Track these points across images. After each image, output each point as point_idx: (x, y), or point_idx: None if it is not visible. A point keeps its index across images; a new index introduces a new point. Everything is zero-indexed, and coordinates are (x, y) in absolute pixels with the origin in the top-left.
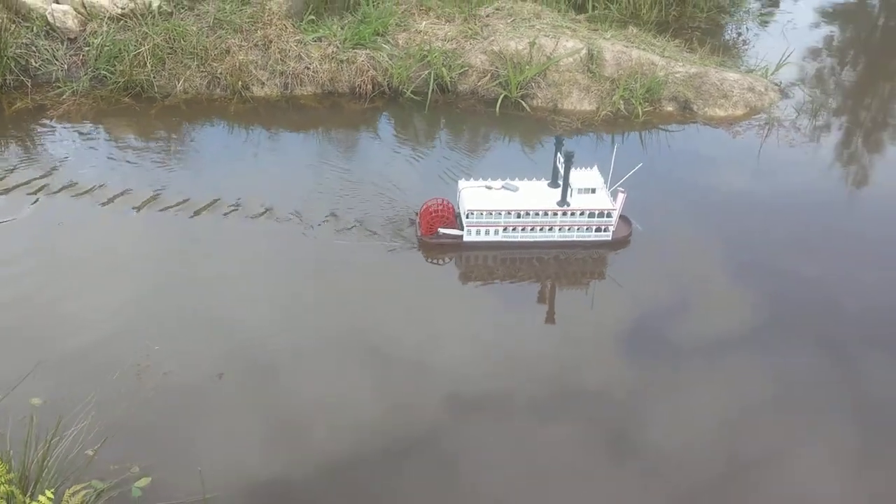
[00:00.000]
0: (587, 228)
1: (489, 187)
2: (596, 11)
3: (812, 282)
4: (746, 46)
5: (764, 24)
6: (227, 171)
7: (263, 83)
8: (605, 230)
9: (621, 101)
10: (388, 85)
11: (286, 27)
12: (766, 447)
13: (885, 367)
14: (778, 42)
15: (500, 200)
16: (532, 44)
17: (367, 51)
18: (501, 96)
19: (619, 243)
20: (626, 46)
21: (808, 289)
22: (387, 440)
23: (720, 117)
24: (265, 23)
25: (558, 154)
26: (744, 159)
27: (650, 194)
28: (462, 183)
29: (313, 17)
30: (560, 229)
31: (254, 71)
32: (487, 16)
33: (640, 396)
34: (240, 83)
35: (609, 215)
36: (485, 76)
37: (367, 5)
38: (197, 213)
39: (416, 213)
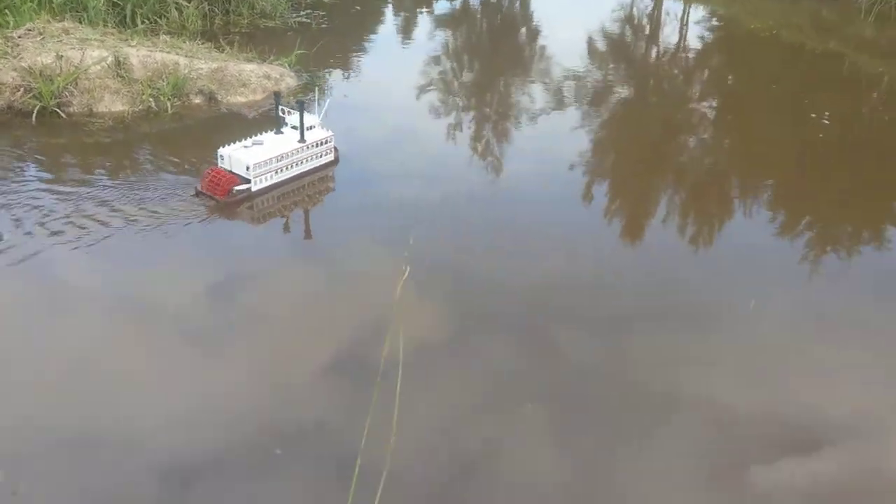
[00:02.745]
0: (320, 155)
1: (245, 146)
2: (144, 25)
3: (480, 274)
4: (277, 45)
5: (298, 25)
6: None
7: None
8: (329, 154)
9: (151, 99)
10: None
11: None
12: (484, 443)
13: (576, 339)
14: (304, 38)
15: (265, 152)
16: (59, 56)
17: None
18: (37, 107)
19: (336, 161)
20: (151, 51)
21: (479, 281)
22: None
23: (241, 102)
24: None
25: (280, 106)
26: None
27: None
28: (222, 149)
29: None
30: (306, 160)
31: None
32: (19, 37)
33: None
34: None
35: (330, 141)
36: (18, 91)
37: None
38: None
39: (197, 189)
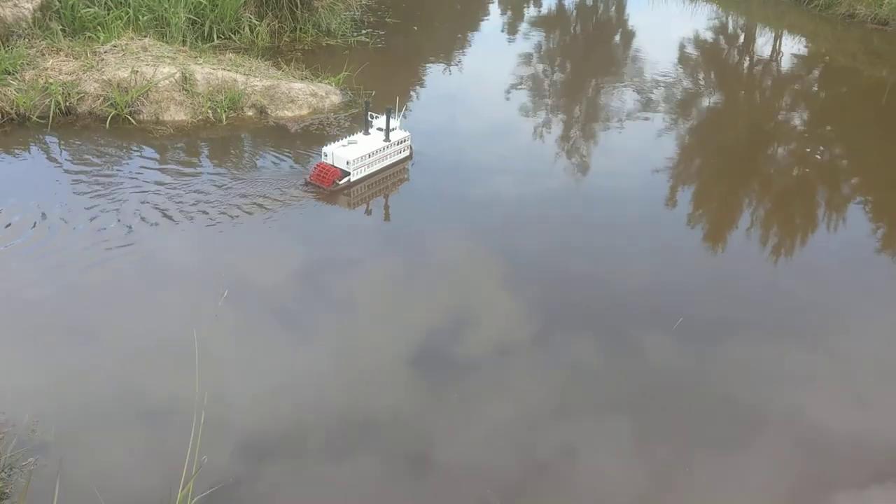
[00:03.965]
0: (400, 152)
1: (343, 145)
2: (219, 41)
3: (576, 276)
4: (331, 62)
5: (357, 44)
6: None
7: None
8: (406, 150)
9: (209, 111)
10: (15, 113)
11: None
12: (560, 449)
13: (663, 345)
14: (359, 56)
15: (359, 149)
16: (134, 72)
17: None
18: (112, 114)
19: (410, 156)
20: (214, 69)
21: (574, 284)
22: None
23: (288, 117)
24: None
25: (369, 112)
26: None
27: None
28: (326, 148)
29: None
30: (391, 156)
31: None
32: (105, 52)
33: (432, 413)
34: None
35: (407, 140)
36: (98, 99)
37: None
38: None
39: (306, 180)
